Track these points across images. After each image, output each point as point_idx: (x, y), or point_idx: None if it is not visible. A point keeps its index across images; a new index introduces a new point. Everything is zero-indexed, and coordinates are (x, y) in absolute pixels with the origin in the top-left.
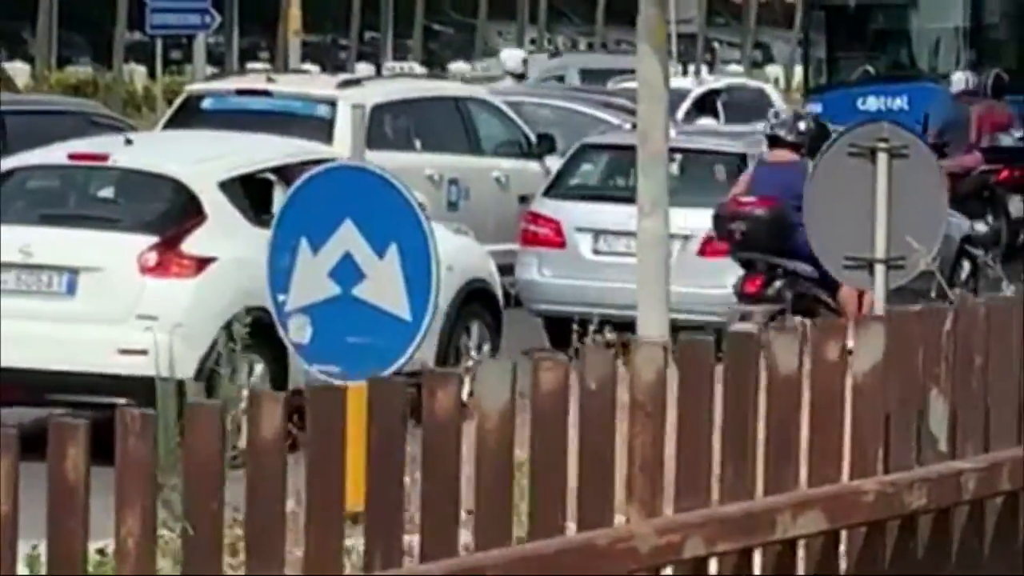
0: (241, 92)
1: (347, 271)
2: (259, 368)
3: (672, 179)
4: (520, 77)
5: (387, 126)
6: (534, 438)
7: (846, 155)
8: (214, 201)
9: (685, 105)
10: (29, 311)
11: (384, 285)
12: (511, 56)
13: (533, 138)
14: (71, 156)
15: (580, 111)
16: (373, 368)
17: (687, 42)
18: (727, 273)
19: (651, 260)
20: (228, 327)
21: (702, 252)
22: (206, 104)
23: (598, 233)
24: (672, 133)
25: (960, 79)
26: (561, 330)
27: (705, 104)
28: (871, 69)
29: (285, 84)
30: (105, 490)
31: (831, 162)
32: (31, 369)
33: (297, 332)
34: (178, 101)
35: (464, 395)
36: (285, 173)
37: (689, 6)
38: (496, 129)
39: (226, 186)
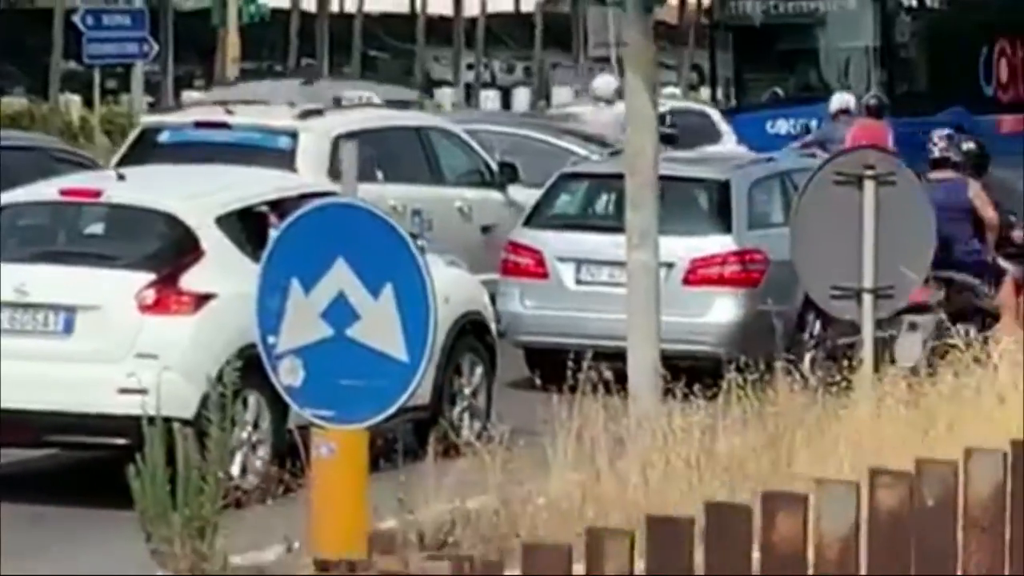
0: (199, 124)
1: (340, 312)
2: (251, 400)
3: (596, 203)
4: (609, 103)
5: None
6: (873, 558)
7: (832, 183)
8: (211, 236)
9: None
10: (25, 351)
11: (379, 326)
12: (605, 83)
13: (495, 167)
14: (63, 192)
15: (539, 139)
16: (369, 412)
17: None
18: (713, 302)
19: (641, 292)
20: (228, 365)
21: (687, 281)
22: (163, 137)
23: (580, 263)
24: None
25: (839, 99)
26: (543, 362)
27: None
28: (780, 91)
29: (244, 115)
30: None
31: (817, 190)
32: (28, 410)
33: (288, 375)
34: (133, 134)
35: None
36: (281, 207)
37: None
38: (458, 158)
39: (223, 221)
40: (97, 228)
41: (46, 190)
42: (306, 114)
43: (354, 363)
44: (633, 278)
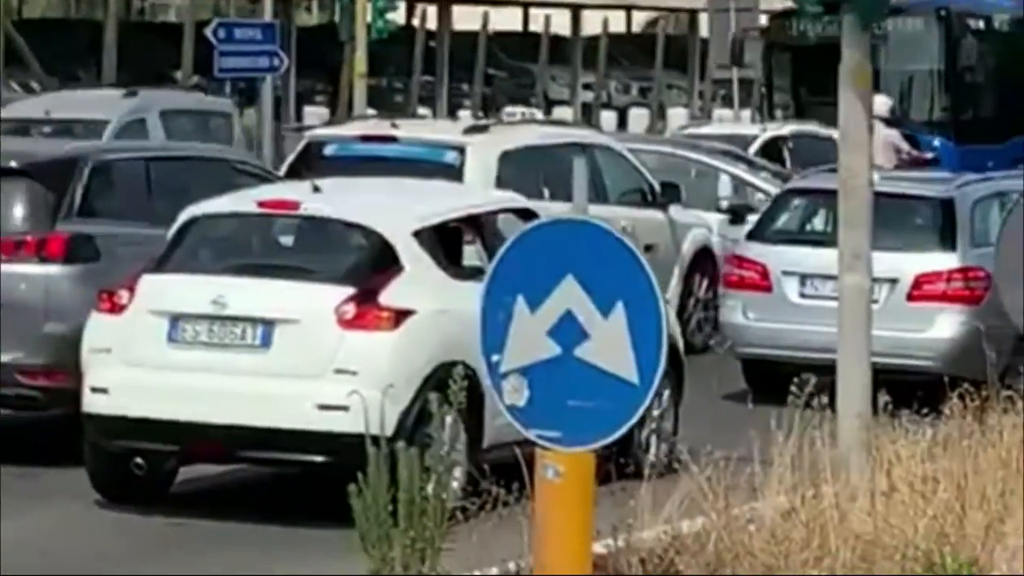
0: (366, 138)
1: (568, 330)
2: (458, 425)
3: (881, 223)
4: (888, 123)
5: (516, 173)
6: None
7: None
8: (409, 251)
9: (751, 151)
10: (222, 365)
11: (609, 345)
12: (881, 102)
13: (657, 187)
14: (261, 204)
15: (697, 160)
16: (597, 434)
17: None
18: (935, 318)
19: (854, 315)
20: (427, 382)
21: (910, 297)
22: (329, 151)
23: (804, 277)
24: (876, 178)
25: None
26: (761, 375)
27: (770, 152)
28: None
29: (410, 130)
30: None
31: (1019, 216)
32: (224, 424)
33: (512, 395)
34: (298, 148)
35: None
36: (476, 222)
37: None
38: (621, 177)
39: (421, 235)
40: (294, 241)
41: (243, 201)
42: (473, 129)
43: (582, 384)
44: (845, 300)
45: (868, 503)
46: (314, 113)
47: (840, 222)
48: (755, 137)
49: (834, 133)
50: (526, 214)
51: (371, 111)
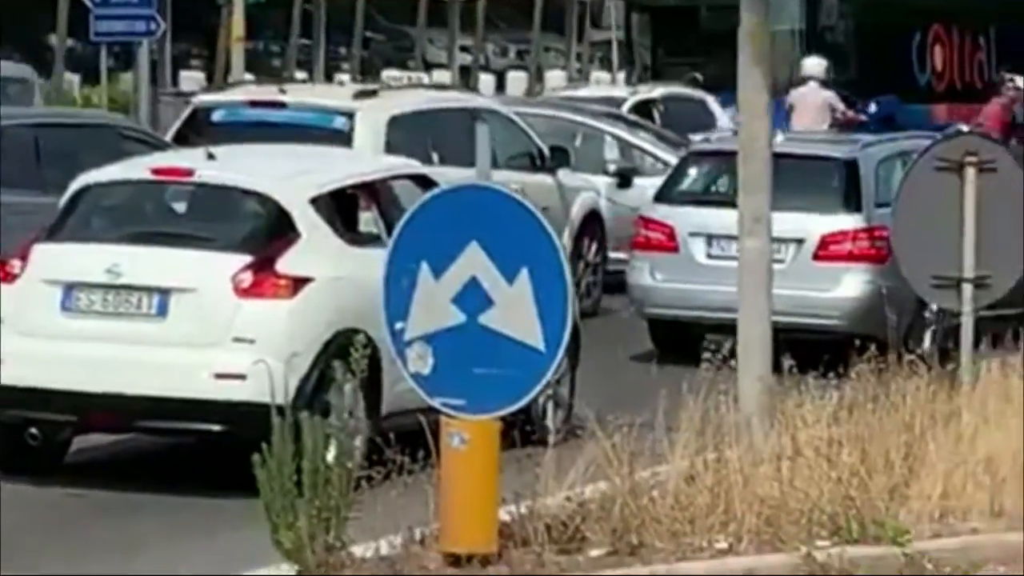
0: (254, 104)
1: (473, 297)
2: (347, 387)
3: (783, 183)
4: (824, 84)
5: (405, 138)
6: None
7: (933, 169)
8: (306, 218)
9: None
10: (118, 334)
11: (514, 312)
12: (815, 63)
13: (546, 151)
14: (155, 171)
15: (584, 123)
16: (503, 402)
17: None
18: (841, 278)
19: (754, 278)
20: (326, 350)
21: (816, 257)
22: (216, 116)
23: (711, 238)
24: (780, 139)
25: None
26: (667, 335)
27: (640, 114)
28: (699, 76)
29: (299, 95)
30: None
31: (918, 177)
32: (120, 394)
33: (417, 362)
34: (185, 114)
35: None
36: (372, 189)
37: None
38: (509, 141)
39: (317, 203)
40: (189, 208)
41: (136, 169)
42: (362, 94)
43: (487, 351)
44: (745, 263)
45: (773, 467)
46: (190, 78)
47: (740, 186)
48: (624, 100)
49: (706, 96)
50: (422, 180)
51: (248, 76)
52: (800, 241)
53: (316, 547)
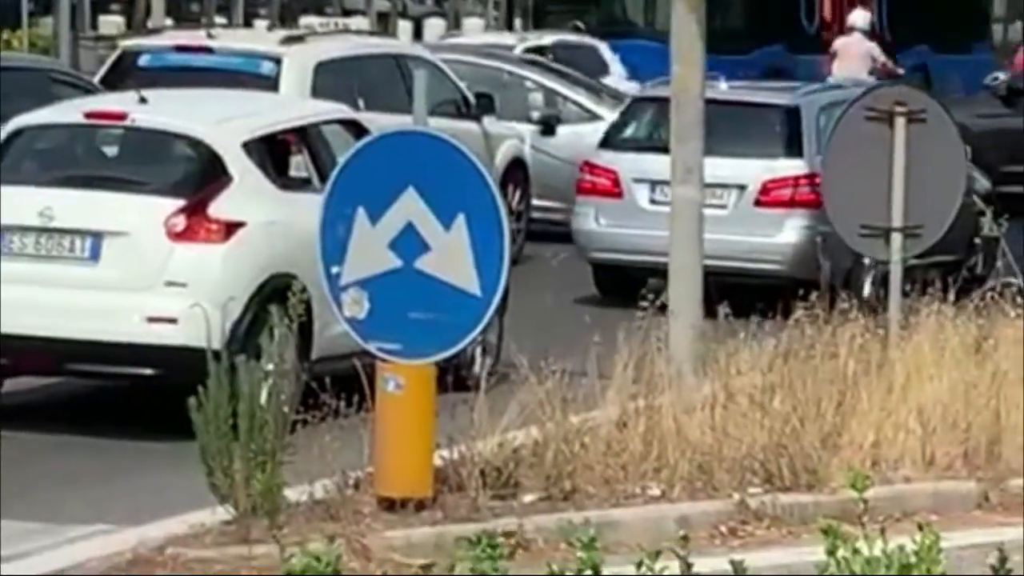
0: (181, 48)
1: (409, 242)
2: (281, 333)
3: (725, 130)
4: (867, 35)
5: (331, 84)
6: None
7: (863, 119)
8: (239, 163)
9: None
10: (50, 277)
11: (451, 257)
12: (860, 15)
13: (471, 98)
14: (87, 115)
15: (508, 70)
16: (438, 347)
17: None
18: (783, 223)
19: (686, 227)
20: (258, 294)
21: (758, 202)
22: (143, 61)
23: (654, 183)
24: (724, 86)
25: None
26: (611, 279)
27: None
28: (581, 24)
29: (226, 40)
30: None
31: (848, 127)
32: (52, 337)
33: (352, 307)
34: (112, 58)
35: None
36: (303, 133)
37: None
38: (435, 88)
39: (249, 147)
40: (122, 152)
41: (68, 112)
42: (289, 40)
43: (423, 296)
44: (677, 212)
45: (706, 415)
46: (110, 22)
47: (672, 135)
48: (512, 47)
49: (597, 43)
50: (353, 126)
51: (168, 21)
52: (742, 187)
53: (251, 490)
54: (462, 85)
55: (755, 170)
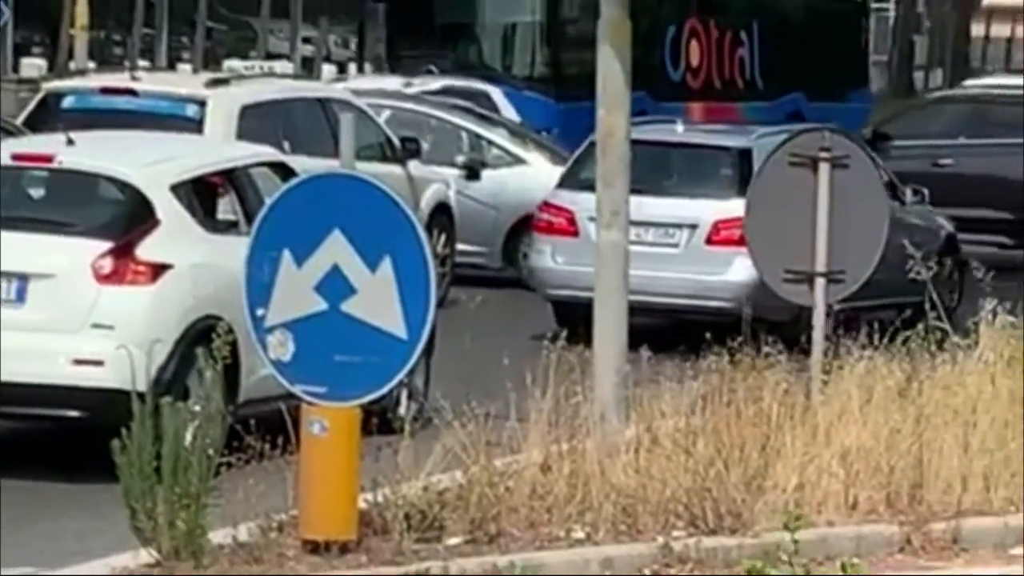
0: (105, 90)
1: (335, 285)
2: (208, 376)
3: (679, 170)
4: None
5: (256, 127)
6: None
7: (787, 164)
8: (167, 205)
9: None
10: None
11: (377, 300)
12: None
13: (396, 141)
14: (15, 156)
15: (434, 115)
16: (363, 389)
17: None
18: (733, 261)
19: (611, 272)
20: (185, 336)
21: (710, 241)
22: (67, 103)
23: None
24: (680, 127)
25: None
26: (570, 316)
27: None
28: (435, 68)
29: (150, 83)
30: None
31: (772, 171)
32: None
33: (278, 349)
34: (36, 99)
35: None
36: (231, 176)
37: None
38: (361, 132)
39: (177, 190)
40: (49, 194)
41: None
42: (214, 82)
43: (349, 338)
44: (603, 257)
45: (631, 458)
46: (32, 64)
47: (598, 179)
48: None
49: (489, 88)
50: (282, 168)
51: (91, 63)
52: (694, 226)
53: (174, 533)
54: (387, 129)
55: (707, 210)
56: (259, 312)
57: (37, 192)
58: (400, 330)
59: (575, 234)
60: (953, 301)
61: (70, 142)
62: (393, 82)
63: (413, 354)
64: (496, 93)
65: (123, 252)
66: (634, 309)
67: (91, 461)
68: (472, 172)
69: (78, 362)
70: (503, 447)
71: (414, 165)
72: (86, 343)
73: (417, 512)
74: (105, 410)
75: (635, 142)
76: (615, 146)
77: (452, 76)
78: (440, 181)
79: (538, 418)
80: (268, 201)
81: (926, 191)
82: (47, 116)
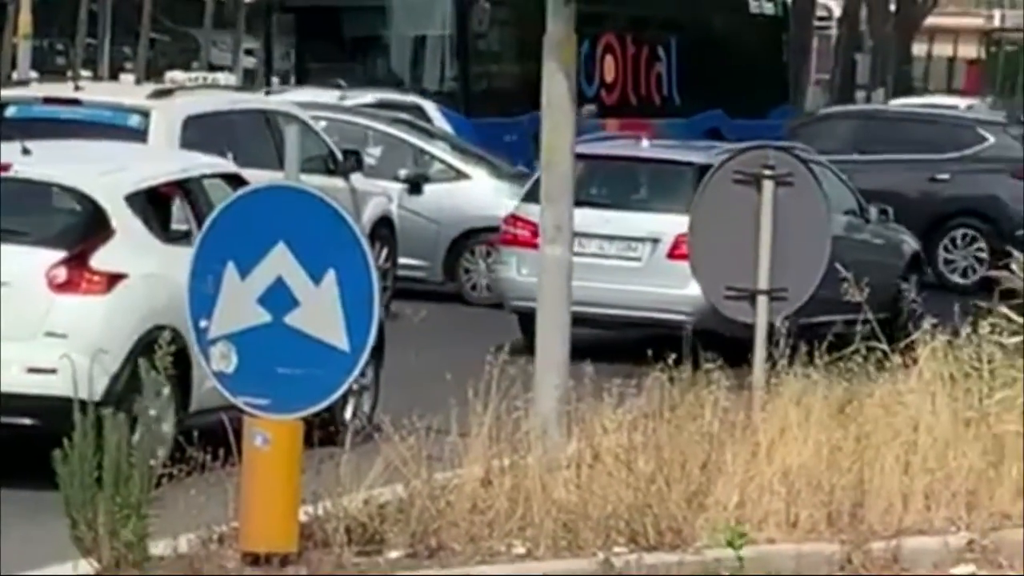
0: (48, 100)
1: (279, 297)
2: (165, 390)
3: (642, 185)
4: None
5: (200, 138)
6: None
7: (731, 182)
8: (121, 215)
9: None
10: None
11: (320, 313)
12: None
13: (339, 154)
14: None
15: (376, 128)
16: (306, 402)
17: None
18: None
19: (554, 287)
20: (138, 346)
21: (671, 255)
22: (10, 112)
23: (576, 235)
24: (645, 143)
25: None
26: (533, 325)
27: None
28: (342, 82)
29: (94, 93)
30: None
31: (716, 188)
32: None
33: (221, 361)
34: None
35: None
36: (185, 187)
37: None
38: (304, 145)
39: (132, 200)
40: (4, 203)
41: None
42: (158, 94)
43: (292, 351)
44: (546, 271)
45: (572, 473)
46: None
47: (542, 196)
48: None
49: (424, 102)
50: (234, 179)
51: (33, 73)
52: (656, 240)
53: (115, 544)
54: (330, 142)
55: (669, 224)
56: (202, 323)
57: None
58: (343, 343)
59: (539, 246)
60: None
61: (25, 151)
62: (327, 95)
63: (356, 367)
64: (431, 108)
65: (77, 261)
66: (596, 321)
67: (32, 468)
68: (415, 186)
69: (31, 370)
70: (444, 461)
71: (356, 178)
72: (39, 352)
73: (358, 525)
74: (57, 418)
75: (599, 157)
76: (559, 163)
77: (384, 89)
78: (382, 194)
79: (479, 432)
80: (212, 213)
81: (890, 209)
82: None
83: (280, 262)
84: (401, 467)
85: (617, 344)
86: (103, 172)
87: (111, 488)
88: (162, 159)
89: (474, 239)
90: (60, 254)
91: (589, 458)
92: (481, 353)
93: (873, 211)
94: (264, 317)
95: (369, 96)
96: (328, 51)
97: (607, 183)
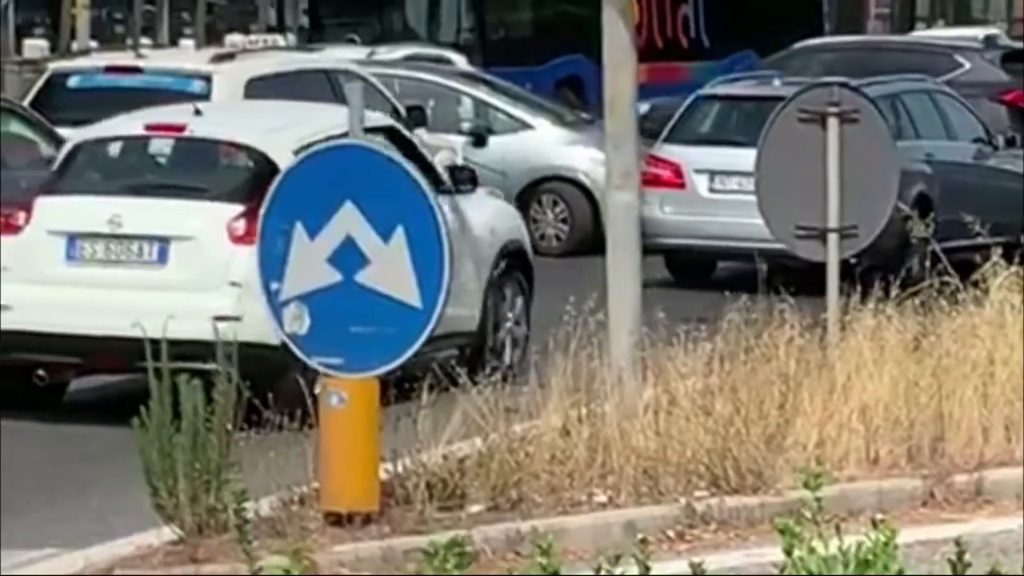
0: (110, 69)
1: (349, 256)
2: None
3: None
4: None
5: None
6: None
7: (796, 120)
8: None
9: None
10: (121, 280)
11: (391, 270)
12: None
13: (403, 110)
14: (148, 127)
15: (438, 83)
16: (381, 360)
17: None
18: None
19: (624, 233)
20: None
21: None
22: (73, 82)
23: (713, 174)
24: (777, 83)
25: None
26: (679, 261)
27: None
28: (356, 37)
29: (156, 60)
30: None
31: (782, 128)
32: (123, 337)
33: (293, 322)
34: (42, 80)
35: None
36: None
37: None
38: (366, 102)
39: (299, 153)
40: (182, 161)
41: (130, 124)
42: (219, 58)
43: (364, 309)
44: (614, 219)
45: (650, 420)
46: (34, 46)
47: (607, 141)
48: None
49: (455, 56)
50: (392, 133)
51: (93, 43)
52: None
53: (197, 509)
54: (392, 98)
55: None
56: (274, 286)
57: (171, 159)
58: (415, 299)
59: (682, 186)
60: None
61: (197, 112)
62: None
63: (429, 323)
64: (460, 61)
65: (254, 214)
66: (724, 253)
67: (109, 440)
68: (479, 138)
69: (218, 318)
70: (522, 413)
71: (421, 133)
72: (224, 300)
73: (438, 481)
74: (245, 363)
75: (732, 97)
76: (622, 108)
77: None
78: (448, 148)
79: (553, 383)
80: (279, 174)
81: (1018, 136)
82: (53, 96)
83: (349, 221)
84: (479, 420)
85: (686, 286)
86: (271, 129)
87: (189, 454)
88: (327, 115)
89: (541, 189)
90: (238, 208)
91: (666, 403)
92: (555, 303)
93: (1000, 139)
94: (335, 276)
95: (400, 51)
96: (342, 6)
97: (741, 122)
